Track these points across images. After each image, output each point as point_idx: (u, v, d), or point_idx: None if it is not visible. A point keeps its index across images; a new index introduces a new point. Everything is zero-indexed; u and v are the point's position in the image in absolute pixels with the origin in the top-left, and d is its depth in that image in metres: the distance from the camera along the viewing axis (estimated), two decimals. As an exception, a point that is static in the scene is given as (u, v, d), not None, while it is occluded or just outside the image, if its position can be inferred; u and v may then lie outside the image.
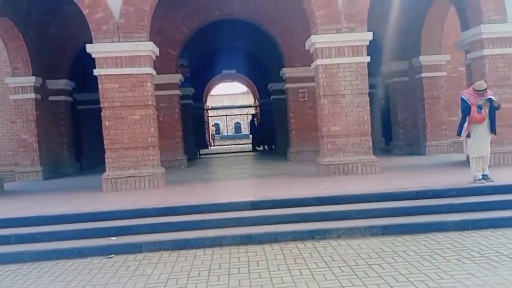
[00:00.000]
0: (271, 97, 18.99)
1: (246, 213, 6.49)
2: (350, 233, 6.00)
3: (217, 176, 11.01)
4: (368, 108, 9.20)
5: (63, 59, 13.40)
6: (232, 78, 29.40)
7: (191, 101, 18.54)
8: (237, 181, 9.49)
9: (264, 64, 19.09)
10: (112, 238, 6.03)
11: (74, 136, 14.79)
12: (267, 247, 5.74)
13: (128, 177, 8.84)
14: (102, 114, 8.98)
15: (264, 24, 13.90)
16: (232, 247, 5.82)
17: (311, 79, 13.89)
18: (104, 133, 8.96)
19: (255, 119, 24.13)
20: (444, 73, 13.20)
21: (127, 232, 6.13)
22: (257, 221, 6.28)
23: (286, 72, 13.94)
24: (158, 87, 13.70)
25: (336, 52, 8.98)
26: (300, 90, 13.92)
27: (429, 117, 13.16)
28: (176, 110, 13.93)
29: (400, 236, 5.92)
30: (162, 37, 13.55)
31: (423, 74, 12.97)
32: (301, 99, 13.96)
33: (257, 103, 27.18)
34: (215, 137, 35.01)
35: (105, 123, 8.94)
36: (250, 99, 38.70)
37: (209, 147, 26.75)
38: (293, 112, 14.02)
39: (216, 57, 22.60)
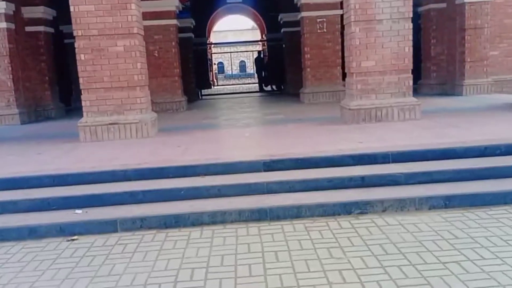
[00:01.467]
0: (282, 30, 16.88)
1: (258, 177, 4.84)
2: (400, 205, 4.37)
3: (219, 123, 9.29)
4: (411, 37, 7.28)
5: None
6: (237, 11, 26.90)
7: (191, 35, 16.48)
8: (243, 130, 7.80)
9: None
10: (77, 211, 4.45)
11: (60, 74, 13.00)
12: (287, 226, 4.16)
13: (110, 124, 7.17)
14: (75, 45, 7.15)
15: None
16: (239, 224, 4.25)
17: (332, 6, 11.90)
18: (79, 69, 7.19)
19: (262, 56, 21.98)
20: (492, -3, 11.06)
21: (97, 203, 4.54)
22: (273, 188, 4.65)
23: (302, -3, 11.82)
24: (151, 15, 11.75)
25: (374, -37, 6.97)
26: (318, 20, 11.88)
27: (469, 50, 11.17)
28: (173, 43, 11.99)
29: (470, 209, 4.30)
30: (155, -46, 11.40)
31: (466, -1, 10.86)
32: (318, 30, 11.95)
33: (265, 38, 24.91)
34: (219, 76, 32.86)
35: (80, 56, 7.14)
36: (257, 36, 36.08)
37: (212, 86, 24.85)
38: (309, 46, 12.04)
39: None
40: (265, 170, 5.00)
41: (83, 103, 7.23)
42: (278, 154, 5.26)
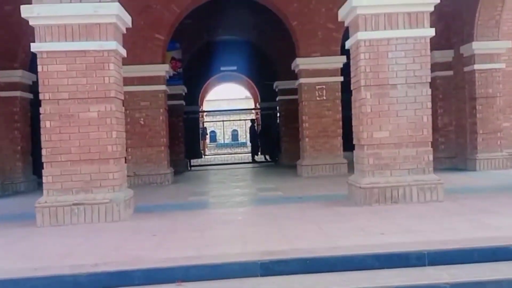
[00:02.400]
0: (277, 98, 16.21)
1: (254, 285, 3.61)
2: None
3: (207, 201, 8.07)
4: (430, 104, 6.35)
5: (19, 43, 10.56)
6: (231, 80, 26.62)
7: (183, 102, 15.70)
8: (235, 212, 6.62)
9: (270, 58, 16.31)
10: None
11: (36, 143, 11.92)
12: None
13: (74, 204, 5.95)
14: (41, 110, 6.10)
15: (274, 2, 11.11)
16: None
17: (332, 72, 11.16)
18: (43, 138, 6.07)
19: (256, 124, 21.16)
20: (502, 65, 10.34)
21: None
22: (275, 303, 3.41)
23: (301, 63, 11.11)
24: (139, 81, 10.92)
25: (386, 22, 6.15)
26: (317, 87, 11.13)
27: (481, 121, 10.32)
28: (161, 110, 11.07)
29: None
30: (147, 17, 10.82)
31: (475, 66, 10.12)
32: (317, 98, 11.15)
33: (258, 106, 24.37)
34: (210, 145, 31.96)
35: (45, 123, 6.05)
36: (250, 105, 35.76)
37: (203, 156, 23.81)
38: (307, 114, 11.17)
39: (214, 51, 19.88)
40: (262, 275, 3.77)
41: (44, 179, 6.05)
42: (279, 251, 4.05)
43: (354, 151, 6.86)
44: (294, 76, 12.70)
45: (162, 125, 11.04)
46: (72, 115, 6.03)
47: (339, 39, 11.15)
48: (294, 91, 14.34)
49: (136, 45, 10.74)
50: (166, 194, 8.96)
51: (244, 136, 50.34)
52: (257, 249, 4.18)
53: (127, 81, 10.98)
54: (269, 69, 18.69)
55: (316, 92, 11.15)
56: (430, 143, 6.39)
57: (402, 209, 5.84)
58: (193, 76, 19.74)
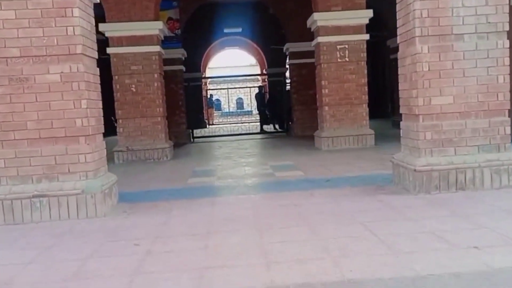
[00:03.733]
0: (288, 62, 14.50)
1: None
2: None
3: (211, 183, 6.54)
4: (508, 60, 4.72)
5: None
6: (236, 44, 24.77)
7: (182, 67, 14.04)
8: (247, 202, 5.12)
9: (278, 19, 14.53)
10: None
11: None
12: None
13: (35, 196, 4.47)
14: (-14, 73, 4.55)
15: None
16: None
17: (356, 29, 9.47)
18: (-11, 110, 4.56)
19: (263, 92, 19.48)
20: None
21: None
22: None
23: (319, 19, 9.39)
24: (128, 40, 9.28)
25: None
26: (339, 46, 9.45)
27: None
28: (156, 75, 9.47)
29: None
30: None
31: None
32: (339, 60, 9.50)
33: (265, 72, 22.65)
34: (215, 114, 30.38)
35: (-8, 90, 4.53)
36: (256, 72, 33.81)
37: (207, 126, 22.26)
38: (327, 78, 9.53)
39: (217, 12, 18.12)
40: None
41: (-7, 164, 4.55)
42: (320, 283, 2.55)
43: (402, 123, 5.28)
44: (306, 37, 11.24)
45: (158, 92, 9.46)
46: (26, 78, 4.46)
47: (364, -11, 9.43)
48: (306, 54, 12.79)
49: (124, -1, 9.09)
50: (162, 175, 7.46)
51: (250, 104, 48.97)
52: (288, 279, 2.68)
53: (114, 41, 9.38)
54: (276, 32, 16.99)
55: (337, 52, 9.49)
56: (507, 112, 4.79)
57: (474, 200, 4.32)
58: (194, 39, 18.05)
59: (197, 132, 15.77)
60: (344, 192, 5.11)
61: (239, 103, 52.90)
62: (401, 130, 5.30)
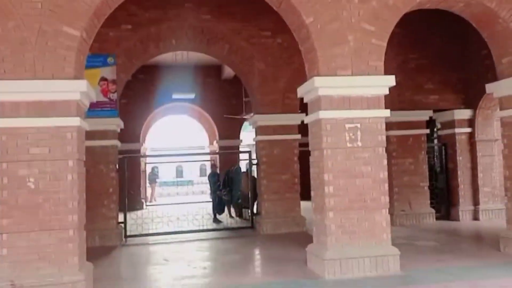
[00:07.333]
0: (255, 139, 11.37)
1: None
2: None
3: None
4: None
5: None
6: (184, 112, 21.56)
7: (116, 143, 10.48)
8: None
9: (244, 82, 11.62)
10: None
11: None
12: None
13: None
14: None
15: None
16: None
17: (370, 102, 6.65)
18: None
19: (217, 171, 15.68)
20: None
21: None
22: None
23: (321, 86, 6.54)
24: (31, 108, 5.75)
25: None
26: (348, 125, 6.59)
27: None
28: (71, 163, 5.99)
29: None
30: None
31: None
32: (348, 144, 6.61)
33: (216, 145, 19.51)
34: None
35: None
36: (203, 139, 29.96)
37: (145, 205, 18.07)
38: (332, 171, 6.58)
39: (164, 72, 15.19)
40: None
41: None
42: None
43: None
44: (281, 108, 9.83)
45: (73, 190, 5.90)
46: None
47: (382, 47, 6.75)
48: (279, 129, 10.11)
49: (27, 44, 5.83)
50: None
51: (190, 173, 45.44)
52: None
53: (6, 108, 5.94)
54: (230, 100, 14.33)
55: (346, 134, 6.56)
56: None
57: None
58: (135, 104, 14.83)
59: (132, 223, 11.77)
60: None
61: (179, 171, 49.31)
62: None
